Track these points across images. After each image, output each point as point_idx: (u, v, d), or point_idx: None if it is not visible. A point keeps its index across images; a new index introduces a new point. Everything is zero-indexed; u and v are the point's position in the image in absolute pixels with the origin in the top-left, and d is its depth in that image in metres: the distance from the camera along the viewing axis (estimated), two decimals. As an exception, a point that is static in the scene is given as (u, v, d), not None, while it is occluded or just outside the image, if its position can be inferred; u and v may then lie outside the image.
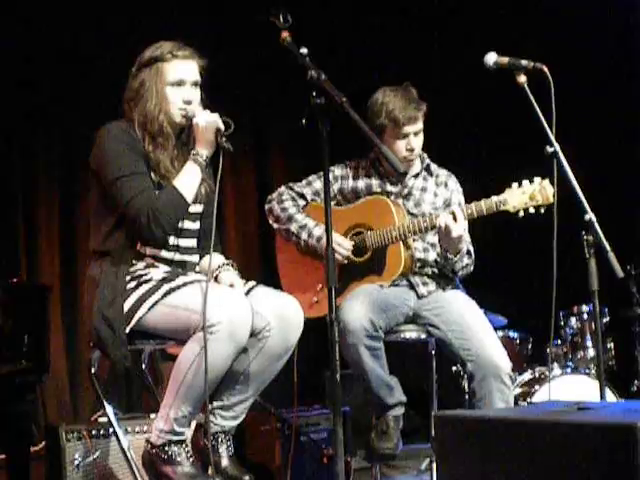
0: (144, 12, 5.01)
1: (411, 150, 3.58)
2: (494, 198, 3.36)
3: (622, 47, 5.85)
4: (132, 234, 2.96)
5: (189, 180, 2.98)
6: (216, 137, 2.95)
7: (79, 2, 4.88)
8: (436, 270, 3.63)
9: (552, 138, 2.95)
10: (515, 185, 3.34)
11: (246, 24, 5.21)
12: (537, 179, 3.30)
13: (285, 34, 2.73)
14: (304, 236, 3.61)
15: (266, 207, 3.76)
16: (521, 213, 3.33)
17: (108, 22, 4.93)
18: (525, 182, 3.33)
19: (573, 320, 4.84)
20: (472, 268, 3.60)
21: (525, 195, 3.31)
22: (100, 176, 2.97)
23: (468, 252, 3.55)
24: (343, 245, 3.54)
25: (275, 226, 3.73)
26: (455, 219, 3.35)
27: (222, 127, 2.96)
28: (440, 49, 5.85)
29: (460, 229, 3.36)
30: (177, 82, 3.01)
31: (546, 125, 2.96)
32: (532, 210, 3.31)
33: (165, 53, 3.01)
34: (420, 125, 3.58)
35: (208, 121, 2.96)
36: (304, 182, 3.75)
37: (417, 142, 3.59)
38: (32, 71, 4.83)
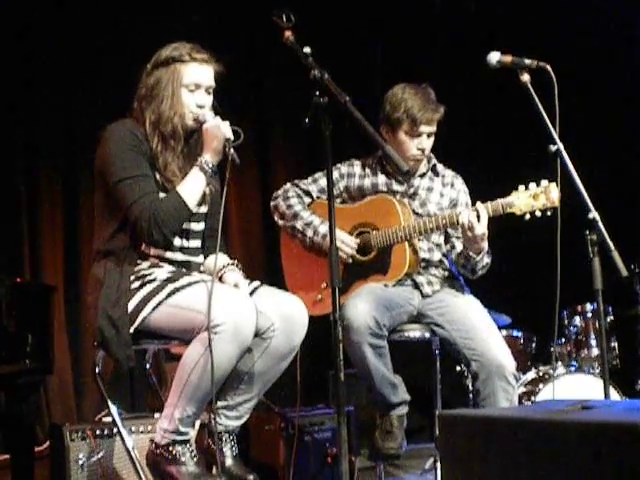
0: (144, 12, 5.01)
1: (422, 150, 3.57)
2: (500, 200, 3.34)
3: (624, 45, 5.85)
4: (136, 235, 2.95)
5: (193, 187, 2.96)
6: (224, 146, 2.93)
7: (78, 3, 4.89)
8: (441, 270, 3.62)
9: (555, 136, 2.95)
10: (522, 188, 3.31)
11: (248, 22, 5.22)
12: (544, 182, 3.27)
13: (288, 33, 2.73)
14: (310, 233, 3.61)
15: (271, 204, 3.75)
16: (527, 216, 3.29)
17: (109, 22, 4.93)
18: (532, 185, 3.29)
19: (577, 319, 4.84)
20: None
21: (531, 198, 3.28)
22: (104, 177, 2.97)
23: (487, 251, 3.51)
24: (348, 243, 3.53)
25: (280, 223, 3.72)
26: (478, 217, 3.33)
27: (231, 136, 2.93)
28: (443, 49, 5.85)
29: (483, 227, 3.33)
30: (193, 85, 2.99)
31: (549, 123, 2.95)
32: (538, 213, 3.27)
33: (184, 54, 2.99)
34: (434, 127, 3.57)
35: (218, 128, 2.93)
36: (310, 179, 3.75)
37: (428, 143, 3.59)
38: (33, 72, 4.84)
